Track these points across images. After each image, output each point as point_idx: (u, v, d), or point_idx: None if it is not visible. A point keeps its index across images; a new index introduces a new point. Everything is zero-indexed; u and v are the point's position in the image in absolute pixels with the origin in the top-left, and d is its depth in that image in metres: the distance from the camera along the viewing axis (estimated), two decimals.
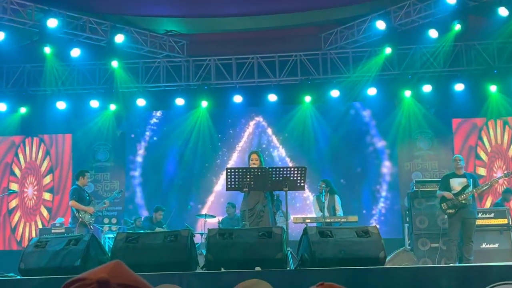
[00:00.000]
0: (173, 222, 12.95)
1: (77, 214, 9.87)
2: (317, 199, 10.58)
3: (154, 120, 14.09)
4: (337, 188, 11.84)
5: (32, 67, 13.05)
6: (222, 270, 5.13)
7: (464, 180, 9.24)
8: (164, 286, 4.83)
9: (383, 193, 13.32)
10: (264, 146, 13.75)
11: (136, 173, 13.93)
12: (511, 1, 11.26)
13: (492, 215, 10.14)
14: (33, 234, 12.85)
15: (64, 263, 5.28)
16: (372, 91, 12.93)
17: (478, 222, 9.79)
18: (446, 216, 9.47)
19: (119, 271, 1.09)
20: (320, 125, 13.60)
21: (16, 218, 13.28)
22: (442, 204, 9.30)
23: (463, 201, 9.07)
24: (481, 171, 12.90)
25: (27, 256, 5.49)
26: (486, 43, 12.32)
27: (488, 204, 12.29)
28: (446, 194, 9.20)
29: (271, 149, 13.82)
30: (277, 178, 7.24)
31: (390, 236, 12.50)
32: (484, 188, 9.30)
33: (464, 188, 9.16)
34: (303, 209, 13.23)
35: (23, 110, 13.31)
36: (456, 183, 9.26)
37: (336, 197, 10.56)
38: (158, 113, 14.10)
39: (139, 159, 13.95)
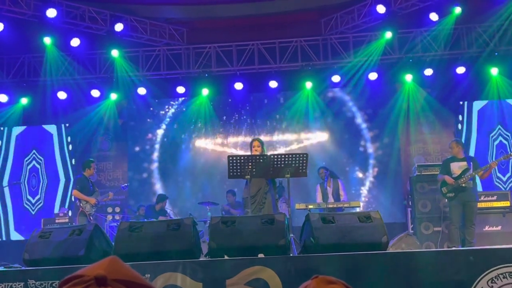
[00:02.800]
0: (177, 209, 13.02)
1: (78, 204, 9.93)
2: (321, 186, 10.65)
3: (158, 110, 14.06)
4: (341, 174, 11.89)
5: (32, 57, 13.03)
6: (226, 257, 5.16)
7: (464, 163, 9.25)
8: (167, 274, 4.86)
9: (386, 178, 13.30)
10: (264, 133, 13.73)
11: (141, 162, 13.94)
12: None
13: (495, 197, 10.15)
14: None
15: (68, 253, 5.31)
16: (373, 76, 12.89)
17: (481, 205, 9.82)
18: (446, 200, 9.49)
19: (116, 267, 1.10)
20: (321, 110, 13.59)
21: None
22: (442, 188, 9.32)
23: (463, 185, 9.08)
24: None
25: (31, 246, 5.52)
26: (487, 25, 12.24)
27: None
28: (447, 178, 9.21)
29: (272, 136, 13.81)
30: (279, 165, 7.25)
31: (393, 220, 12.54)
32: (483, 170, 9.27)
33: (464, 171, 9.17)
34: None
35: (24, 100, 13.31)
36: (456, 167, 9.27)
37: (340, 182, 10.62)
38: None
39: (143, 147, 13.97)
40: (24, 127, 13.66)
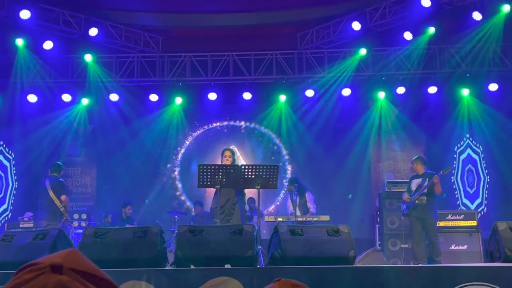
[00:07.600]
0: (145, 218, 12.85)
1: (62, 209, 9.51)
2: (290, 197, 10.66)
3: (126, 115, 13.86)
4: (310, 187, 11.88)
5: (3, 59, 12.78)
6: (192, 267, 5.09)
7: (420, 180, 9.34)
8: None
9: (356, 193, 13.32)
10: (238, 144, 13.69)
11: (107, 169, 13.70)
12: (485, 6, 11.42)
13: (462, 217, 10.25)
14: None
15: (31, 257, 5.14)
16: (346, 92, 12.96)
17: (448, 223, 9.90)
18: (402, 217, 9.62)
19: (74, 257, 1.07)
20: (294, 124, 13.61)
21: None
22: (401, 206, 9.50)
23: (416, 201, 9.15)
24: None
25: None
26: (459, 46, 12.43)
27: None
28: (404, 195, 9.45)
29: (246, 148, 13.79)
30: (250, 176, 7.21)
31: (361, 236, 12.56)
32: (424, 185, 9.21)
33: (418, 187, 9.25)
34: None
35: None
36: (415, 184, 9.39)
37: (308, 194, 10.60)
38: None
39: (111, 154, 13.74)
40: None
